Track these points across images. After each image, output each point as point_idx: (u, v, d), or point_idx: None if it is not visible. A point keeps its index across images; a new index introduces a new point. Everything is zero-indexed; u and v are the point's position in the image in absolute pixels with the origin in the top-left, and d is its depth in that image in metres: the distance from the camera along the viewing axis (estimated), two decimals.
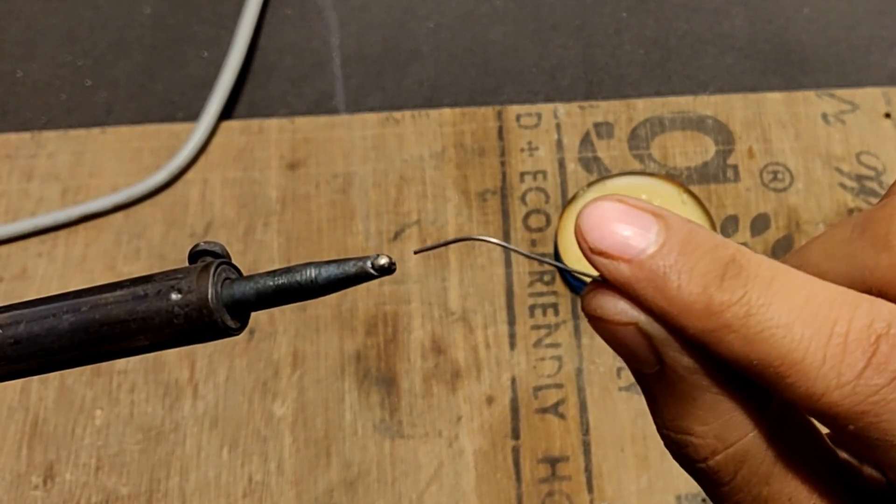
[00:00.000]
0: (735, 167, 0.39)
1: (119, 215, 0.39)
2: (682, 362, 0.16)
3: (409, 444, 0.35)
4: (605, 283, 0.17)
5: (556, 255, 0.37)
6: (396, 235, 0.38)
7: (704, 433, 0.17)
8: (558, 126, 0.40)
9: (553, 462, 0.34)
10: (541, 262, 0.18)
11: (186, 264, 0.21)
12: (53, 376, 0.36)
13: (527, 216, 0.39)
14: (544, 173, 0.39)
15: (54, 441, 0.35)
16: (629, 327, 0.16)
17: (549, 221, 0.38)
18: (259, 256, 0.38)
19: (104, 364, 0.36)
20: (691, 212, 0.37)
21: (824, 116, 0.40)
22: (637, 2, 0.44)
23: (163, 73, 0.43)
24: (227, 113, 0.41)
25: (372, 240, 0.38)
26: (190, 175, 0.40)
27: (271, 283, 0.20)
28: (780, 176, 0.39)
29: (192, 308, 0.20)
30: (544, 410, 0.35)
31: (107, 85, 0.42)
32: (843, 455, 0.18)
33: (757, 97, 0.41)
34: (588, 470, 0.34)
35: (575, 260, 0.37)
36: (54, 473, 0.34)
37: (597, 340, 0.36)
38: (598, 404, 0.35)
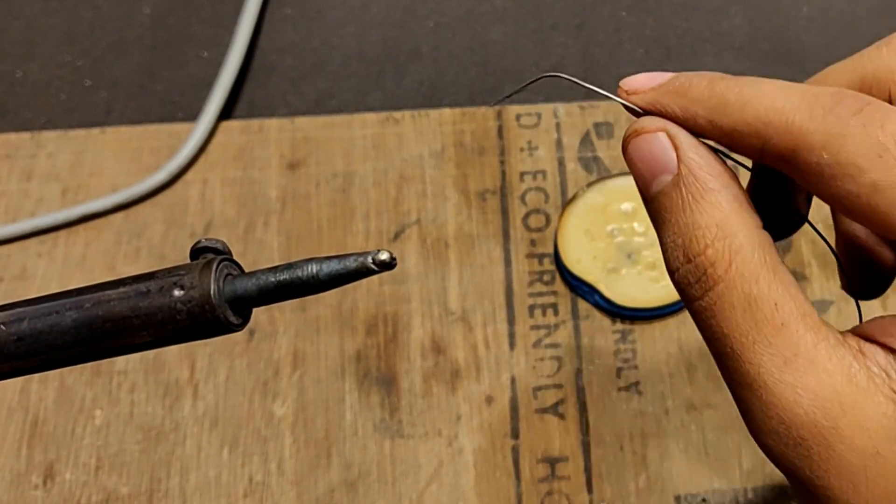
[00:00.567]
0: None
1: (119, 215, 0.39)
2: (695, 160, 0.20)
3: (409, 444, 0.35)
4: (640, 113, 0.22)
5: (556, 255, 0.37)
6: (396, 235, 0.38)
7: (707, 223, 0.19)
8: (558, 126, 0.40)
9: (552, 462, 0.34)
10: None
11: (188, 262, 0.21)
12: (53, 376, 0.36)
13: (526, 216, 0.39)
14: (544, 173, 0.39)
15: (54, 441, 0.35)
16: (660, 133, 0.21)
17: (548, 221, 0.38)
18: (259, 256, 0.38)
19: (104, 364, 0.36)
20: None
21: None
22: (636, 1, 0.44)
23: (163, 73, 0.43)
24: (227, 113, 0.41)
25: (372, 239, 0.38)
26: (190, 175, 0.40)
27: (273, 279, 0.21)
28: None
29: (195, 304, 0.20)
30: (544, 410, 0.35)
31: (107, 85, 0.43)
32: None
33: None
34: (587, 470, 0.34)
35: (574, 260, 0.37)
36: (54, 473, 0.34)
37: (596, 341, 0.36)
38: (598, 404, 0.35)
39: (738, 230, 0.20)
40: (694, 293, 0.20)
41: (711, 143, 0.22)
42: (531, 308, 0.37)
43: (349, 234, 0.38)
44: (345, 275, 0.20)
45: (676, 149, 0.21)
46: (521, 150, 0.40)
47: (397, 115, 0.41)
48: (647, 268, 0.37)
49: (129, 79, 0.43)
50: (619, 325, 0.36)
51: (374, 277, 0.37)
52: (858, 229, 0.24)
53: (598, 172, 0.39)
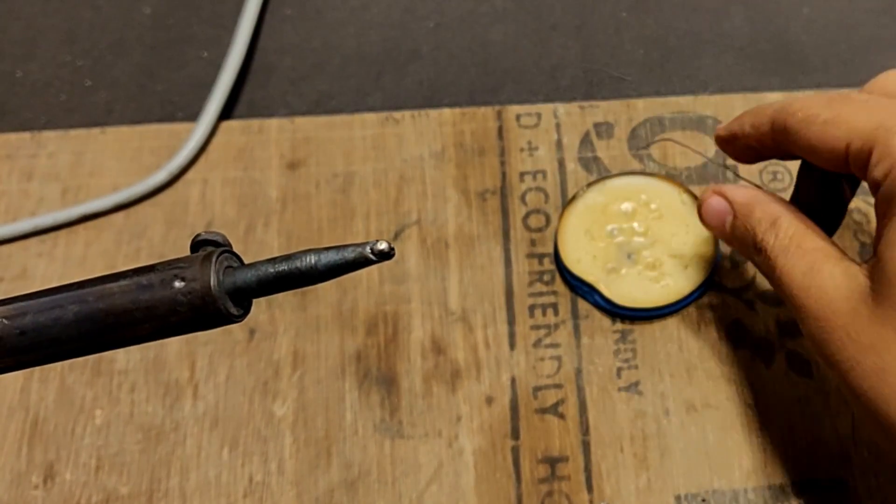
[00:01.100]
0: (735, 167, 0.39)
1: (119, 215, 0.39)
2: (739, 197, 0.32)
3: (409, 444, 0.35)
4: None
5: (556, 255, 0.37)
6: (396, 235, 0.38)
7: (760, 218, 0.31)
8: (558, 126, 0.40)
9: (552, 462, 0.34)
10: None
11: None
12: (53, 376, 0.36)
13: (526, 216, 0.39)
14: (544, 173, 0.39)
15: (54, 441, 0.35)
16: (713, 196, 0.33)
17: (548, 221, 0.38)
18: (259, 256, 0.37)
19: (104, 364, 0.36)
20: (691, 212, 0.37)
21: None
22: (637, 1, 0.44)
23: (163, 73, 0.43)
24: (227, 113, 0.41)
25: (372, 239, 0.38)
26: (190, 175, 0.40)
27: (272, 270, 0.21)
28: (779, 176, 0.39)
29: (196, 296, 0.20)
30: (544, 410, 0.35)
31: (107, 85, 0.43)
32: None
33: (757, 97, 0.41)
34: (587, 470, 0.34)
35: (574, 260, 0.37)
36: (54, 473, 0.34)
37: (596, 340, 0.36)
38: (598, 404, 0.35)
39: (776, 214, 0.30)
40: (761, 265, 0.31)
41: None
42: (531, 308, 0.37)
43: (349, 235, 0.38)
44: (343, 265, 0.20)
45: (726, 196, 0.32)
46: (522, 150, 0.40)
47: (397, 115, 0.41)
48: (647, 268, 0.37)
49: (129, 79, 0.43)
50: (619, 325, 0.37)
51: (375, 278, 0.38)
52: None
53: (598, 172, 0.39)
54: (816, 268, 0.28)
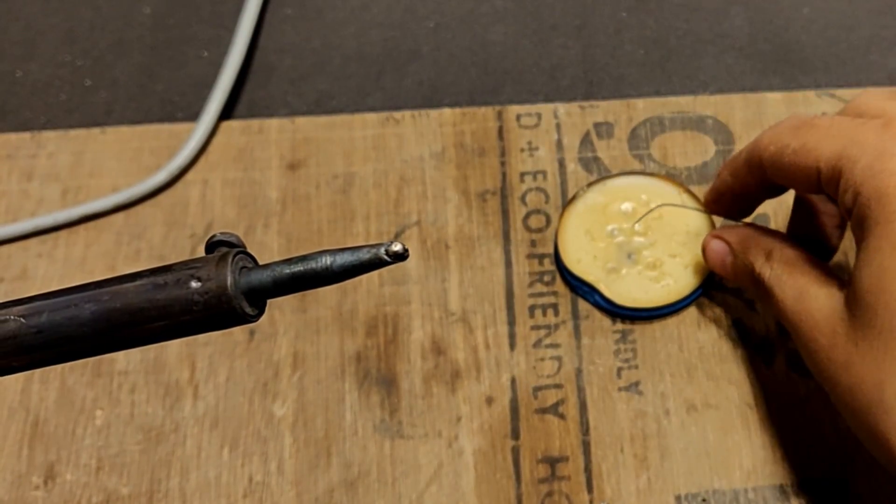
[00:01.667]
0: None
1: (119, 216, 0.39)
2: (735, 238, 0.34)
3: (409, 445, 0.35)
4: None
5: (556, 256, 0.37)
6: (396, 236, 0.38)
7: (756, 253, 0.33)
8: (558, 126, 0.40)
9: (552, 462, 0.34)
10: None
11: None
12: (54, 377, 0.36)
13: (527, 216, 0.39)
14: (544, 173, 0.39)
15: (55, 441, 0.35)
16: (713, 240, 0.35)
17: (549, 221, 0.39)
18: (259, 257, 0.37)
19: (105, 365, 0.36)
20: (691, 212, 0.37)
21: None
22: (637, 2, 0.44)
23: (163, 73, 0.43)
24: (227, 113, 0.41)
25: (372, 240, 0.38)
26: (190, 175, 0.40)
27: (287, 271, 0.21)
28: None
29: (212, 296, 0.20)
30: (544, 411, 0.35)
31: (107, 85, 0.43)
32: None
33: (757, 97, 0.41)
34: (587, 470, 0.34)
35: (574, 261, 0.37)
36: (55, 474, 0.34)
37: (596, 340, 0.36)
38: (598, 404, 0.35)
39: (770, 247, 0.32)
40: (761, 298, 0.33)
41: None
42: (531, 308, 0.37)
43: (349, 236, 0.38)
44: (358, 266, 0.20)
45: (723, 239, 0.34)
46: (522, 150, 0.40)
47: (397, 115, 0.41)
48: (647, 268, 0.37)
49: (129, 79, 0.43)
50: (619, 325, 0.37)
51: (375, 279, 0.38)
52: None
53: (598, 172, 0.39)
54: (804, 292, 0.30)
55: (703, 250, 0.35)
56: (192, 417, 0.35)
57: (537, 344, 0.36)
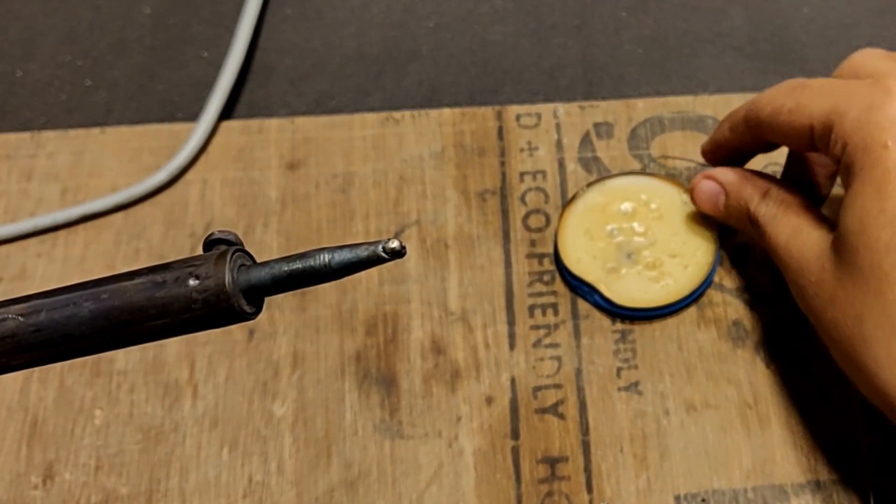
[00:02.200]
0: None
1: (119, 215, 0.39)
2: (727, 176, 0.36)
3: (409, 445, 0.35)
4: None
5: (556, 255, 0.37)
6: (396, 236, 0.38)
7: (752, 192, 0.34)
8: (558, 126, 0.40)
9: (552, 462, 0.34)
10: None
11: None
12: (53, 377, 0.36)
13: (526, 216, 0.39)
14: (544, 173, 0.39)
15: (54, 441, 0.35)
16: (704, 180, 0.36)
17: (548, 221, 0.38)
18: (259, 257, 0.37)
19: (104, 364, 0.36)
20: (691, 212, 0.37)
21: None
22: (636, 1, 0.44)
23: (163, 73, 0.43)
24: (227, 113, 0.41)
25: (372, 240, 0.38)
26: (190, 175, 0.40)
27: (286, 269, 0.21)
28: (778, 176, 0.39)
29: (210, 294, 0.20)
30: (544, 410, 0.35)
31: (107, 85, 0.43)
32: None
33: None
34: (587, 470, 0.34)
35: (574, 260, 0.37)
36: (54, 473, 0.34)
37: (596, 340, 0.36)
38: (598, 404, 0.35)
39: (765, 188, 0.34)
40: (756, 237, 0.34)
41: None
42: (531, 308, 0.37)
43: (349, 236, 0.38)
44: (356, 263, 0.20)
45: (716, 179, 0.35)
46: (521, 150, 0.40)
47: (397, 115, 0.41)
48: (647, 268, 0.37)
49: (129, 79, 0.43)
50: (619, 325, 0.36)
51: (374, 278, 0.37)
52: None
53: (598, 172, 0.39)
54: (798, 231, 0.32)
55: (692, 191, 0.36)
56: (191, 417, 0.35)
57: (537, 344, 0.36)
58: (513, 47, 0.43)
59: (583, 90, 0.42)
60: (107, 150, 0.40)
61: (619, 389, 0.35)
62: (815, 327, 0.31)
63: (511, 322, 0.37)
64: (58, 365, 0.36)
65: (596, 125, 0.40)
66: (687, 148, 0.40)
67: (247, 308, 0.21)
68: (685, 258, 0.37)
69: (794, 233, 0.32)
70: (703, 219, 0.37)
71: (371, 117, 0.41)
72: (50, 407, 0.36)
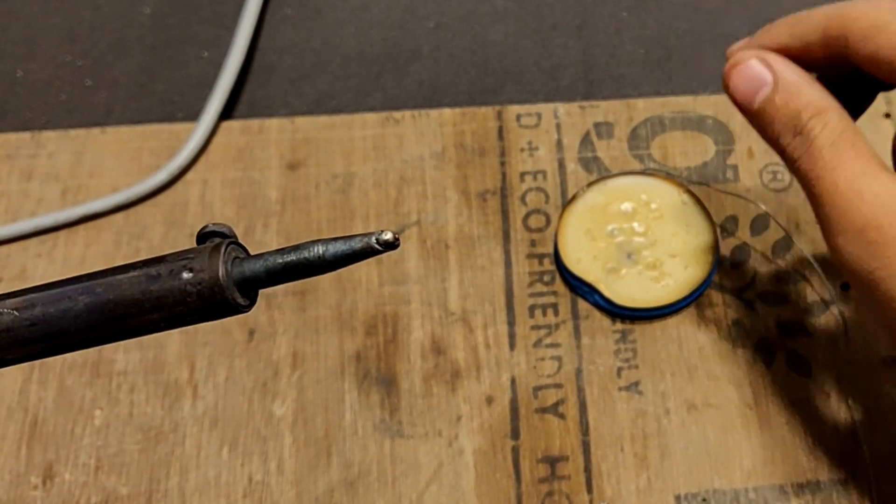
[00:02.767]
0: (735, 167, 0.39)
1: (119, 216, 0.39)
2: (785, 69, 0.27)
3: (409, 444, 0.35)
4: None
5: (556, 255, 0.37)
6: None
7: (805, 105, 0.27)
8: (558, 126, 0.40)
9: (552, 462, 0.34)
10: None
11: None
12: (52, 377, 0.36)
13: (527, 216, 0.39)
14: (544, 173, 0.39)
15: (53, 441, 0.35)
16: (752, 60, 0.28)
17: (548, 221, 0.38)
18: None
19: (104, 364, 0.36)
20: (691, 212, 0.37)
21: None
22: (637, 1, 0.44)
23: (163, 73, 0.43)
24: (227, 113, 0.41)
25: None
26: (190, 175, 0.40)
27: (280, 261, 0.21)
28: (779, 176, 0.39)
29: (205, 286, 0.20)
30: (544, 410, 0.35)
31: (107, 85, 0.43)
32: None
33: None
34: (587, 470, 0.34)
35: (574, 260, 0.37)
36: (54, 473, 0.34)
37: (596, 340, 0.36)
38: (598, 404, 0.35)
39: (826, 105, 0.26)
40: (797, 154, 0.27)
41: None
42: (531, 308, 0.37)
43: None
44: (350, 254, 0.20)
45: (769, 66, 0.27)
46: (522, 150, 0.40)
47: (397, 115, 0.41)
48: (647, 268, 0.37)
49: (129, 79, 0.43)
50: (619, 325, 0.36)
51: (374, 279, 0.37)
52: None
53: (598, 172, 0.39)
54: (872, 174, 0.25)
55: (731, 68, 0.28)
56: (191, 417, 0.35)
57: (537, 344, 0.36)
58: (513, 47, 0.43)
59: (583, 90, 0.42)
60: (107, 150, 0.40)
61: (620, 389, 0.35)
62: (871, 292, 0.26)
63: (511, 322, 0.37)
64: (58, 365, 0.36)
65: (596, 125, 0.40)
66: (687, 147, 0.40)
67: (241, 300, 0.21)
68: (685, 258, 0.37)
69: (865, 173, 0.25)
70: (703, 219, 0.37)
71: (371, 117, 0.41)
72: (50, 407, 0.36)
